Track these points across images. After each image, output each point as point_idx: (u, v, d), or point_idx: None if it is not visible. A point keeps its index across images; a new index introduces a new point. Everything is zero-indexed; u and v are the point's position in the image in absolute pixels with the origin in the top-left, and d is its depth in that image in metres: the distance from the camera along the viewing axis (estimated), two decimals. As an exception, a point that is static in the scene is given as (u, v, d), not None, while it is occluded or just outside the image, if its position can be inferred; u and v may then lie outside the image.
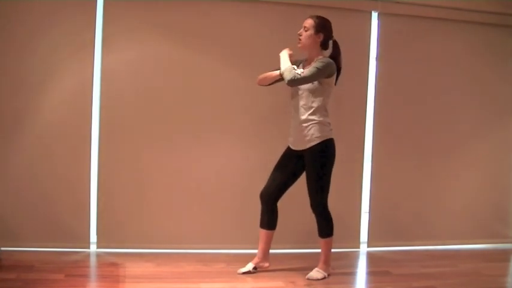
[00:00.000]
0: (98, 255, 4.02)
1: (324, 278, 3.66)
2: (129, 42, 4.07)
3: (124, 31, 4.05)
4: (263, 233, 3.74)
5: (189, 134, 4.16)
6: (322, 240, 3.67)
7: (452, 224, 4.70)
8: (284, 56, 3.59)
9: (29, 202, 3.94)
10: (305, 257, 4.10)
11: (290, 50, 3.62)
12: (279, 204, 3.73)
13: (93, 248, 4.08)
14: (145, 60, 4.10)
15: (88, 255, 4.01)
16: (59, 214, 3.99)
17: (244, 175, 4.23)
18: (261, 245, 3.75)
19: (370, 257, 4.40)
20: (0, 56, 3.86)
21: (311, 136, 3.57)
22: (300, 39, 3.60)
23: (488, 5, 4.55)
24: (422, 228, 4.63)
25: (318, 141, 3.56)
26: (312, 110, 3.57)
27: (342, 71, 3.69)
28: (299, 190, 3.65)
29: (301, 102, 3.60)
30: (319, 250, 3.71)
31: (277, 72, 3.58)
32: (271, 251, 3.78)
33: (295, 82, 3.49)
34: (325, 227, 3.65)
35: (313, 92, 3.56)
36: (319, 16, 3.61)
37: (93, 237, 4.09)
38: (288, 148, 3.72)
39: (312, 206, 3.62)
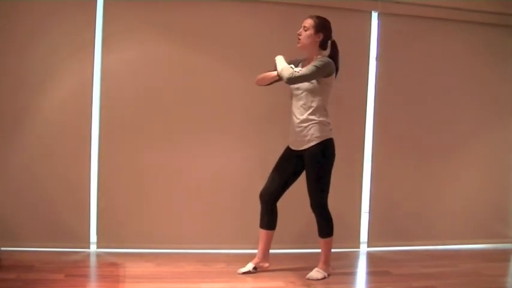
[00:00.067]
0: (98, 255, 4.02)
1: (324, 278, 3.66)
2: (129, 42, 4.07)
3: (124, 31, 4.05)
4: (263, 233, 3.74)
5: (189, 134, 4.16)
6: (322, 240, 3.67)
7: (452, 224, 4.70)
8: (279, 58, 3.59)
9: (29, 202, 3.94)
10: (305, 257, 4.10)
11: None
12: (279, 204, 3.73)
13: (93, 248, 4.08)
14: (145, 60, 4.10)
15: (88, 255, 4.01)
16: (59, 214, 3.99)
17: (244, 175, 4.23)
18: (260, 245, 3.75)
19: (370, 257, 4.40)
20: (0, 56, 3.86)
21: (311, 136, 3.57)
22: (299, 39, 3.60)
23: (488, 5, 4.54)
24: (422, 228, 4.63)
25: (317, 141, 3.56)
26: (311, 110, 3.57)
27: (342, 71, 3.69)
28: (299, 190, 3.65)
29: (301, 102, 3.60)
30: (319, 250, 3.71)
31: (275, 72, 3.57)
32: (271, 251, 3.78)
33: (294, 80, 3.49)
34: (325, 227, 3.65)
35: (312, 92, 3.56)
36: (319, 16, 3.61)
37: (93, 237, 4.09)
38: (288, 148, 3.72)
39: (311, 206, 3.62)
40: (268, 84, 3.69)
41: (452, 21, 4.55)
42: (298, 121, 3.60)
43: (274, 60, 3.59)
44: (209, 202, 4.20)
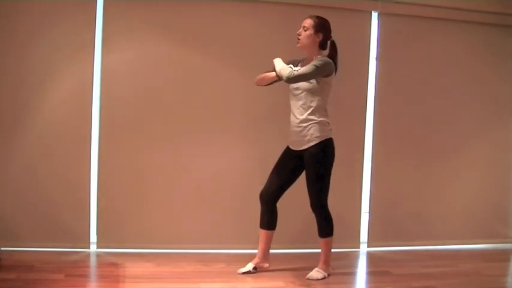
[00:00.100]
0: (98, 255, 4.01)
1: (324, 278, 3.66)
2: (129, 42, 4.07)
3: (124, 31, 4.05)
4: (263, 233, 3.74)
5: (189, 134, 4.16)
6: (322, 240, 3.67)
7: (452, 224, 4.70)
8: (277, 60, 3.59)
9: (29, 202, 3.94)
10: (305, 257, 4.10)
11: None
12: (279, 204, 3.73)
13: (93, 248, 4.08)
14: (145, 60, 4.10)
15: (88, 255, 4.01)
16: (59, 214, 3.99)
17: (244, 175, 4.23)
18: (261, 245, 3.75)
19: (370, 257, 4.40)
20: (0, 56, 3.86)
21: (310, 136, 3.57)
22: (299, 39, 3.60)
23: (488, 5, 4.54)
24: (422, 228, 4.62)
25: (317, 141, 3.56)
26: (311, 110, 3.57)
27: (342, 71, 3.69)
28: (299, 190, 3.65)
29: (300, 102, 3.60)
30: (319, 250, 3.71)
31: (274, 73, 3.57)
32: (271, 251, 3.78)
33: (294, 79, 3.49)
34: (325, 227, 3.65)
35: (311, 92, 3.56)
36: (318, 16, 3.61)
37: (93, 237, 4.09)
38: (287, 148, 3.72)
39: (311, 206, 3.62)
40: (267, 85, 3.69)
41: (452, 21, 4.55)
42: (297, 121, 3.60)
43: (273, 63, 3.59)
44: (209, 202, 4.19)
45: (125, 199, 4.10)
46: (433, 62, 4.58)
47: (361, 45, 4.42)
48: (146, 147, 4.10)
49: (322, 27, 3.59)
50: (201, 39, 4.15)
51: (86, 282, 3.46)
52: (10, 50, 3.88)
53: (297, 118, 3.61)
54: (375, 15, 4.44)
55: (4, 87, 3.88)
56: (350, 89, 4.34)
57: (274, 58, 3.61)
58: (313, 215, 3.64)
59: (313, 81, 3.54)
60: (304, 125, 3.58)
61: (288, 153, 3.71)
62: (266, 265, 3.77)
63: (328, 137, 3.60)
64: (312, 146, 3.57)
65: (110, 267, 3.72)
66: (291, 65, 3.59)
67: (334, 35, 3.66)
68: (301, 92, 3.59)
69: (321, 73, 3.51)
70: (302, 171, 3.67)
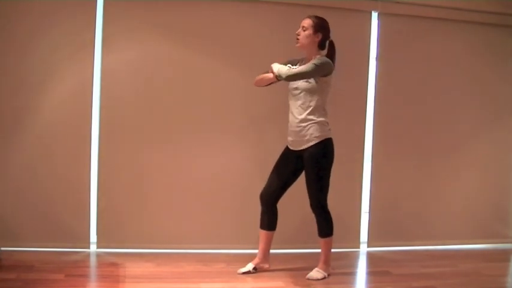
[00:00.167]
0: (98, 255, 4.02)
1: (324, 278, 3.66)
2: (129, 42, 4.07)
3: (124, 31, 4.05)
4: (263, 233, 3.74)
5: (189, 134, 4.16)
6: (322, 240, 3.67)
7: (452, 224, 4.70)
8: (275, 64, 3.58)
9: (29, 202, 3.94)
10: (305, 257, 4.10)
11: None
12: (279, 204, 3.73)
13: (93, 248, 4.08)
14: (145, 60, 4.10)
15: (88, 255, 4.01)
16: (59, 214, 3.99)
17: (244, 175, 4.23)
18: (261, 245, 3.75)
19: (370, 257, 4.40)
20: (0, 56, 3.86)
21: (310, 136, 3.57)
22: (298, 39, 3.60)
23: (488, 5, 4.54)
24: (422, 228, 4.62)
25: (316, 141, 3.56)
26: (310, 110, 3.57)
27: (342, 71, 3.70)
28: (299, 190, 3.65)
29: (299, 102, 3.60)
30: (319, 250, 3.71)
31: (272, 75, 3.56)
32: (271, 251, 3.78)
33: (293, 77, 3.49)
34: (325, 226, 3.65)
35: (310, 92, 3.56)
36: (317, 16, 3.61)
37: (93, 237, 4.09)
38: (287, 148, 3.72)
39: (311, 206, 3.62)
40: (267, 85, 3.69)
41: (452, 21, 4.55)
42: (297, 121, 3.60)
43: (271, 67, 3.58)
44: (209, 202, 4.19)
45: (125, 199, 4.10)
46: (433, 62, 4.58)
47: (361, 45, 4.42)
48: (146, 147, 4.11)
49: (321, 27, 3.59)
50: (201, 39, 4.15)
51: (86, 282, 3.46)
52: (10, 50, 3.88)
53: (296, 118, 3.61)
54: (375, 15, 4.44)
55: (4, 87, 3.88)
56: (350, 89, 4.34)
57: (273, 60, 3.61)
58: (313, 215, 3.64)
59: (312, 80, 3.54)
60: (303, 124, 3.58)
61: (287, 153, 3.71)
62: (266, 266, 3.77)
63: (327, 137, 3.59)
64: (312, 146, 3.57)
65: (110, 267, 3.72)
66: (290, 65, 3.59)
67: (335, 35, 3.66)
68: (300, 92, 3.59)
69: (320, 72, 3.51)
70: (302, 171, 3.66)
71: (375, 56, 4.47)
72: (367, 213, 4.55)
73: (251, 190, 3.89)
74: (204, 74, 4.16)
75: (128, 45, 4.07)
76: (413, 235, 4.60)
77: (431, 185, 4.64)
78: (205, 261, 3.95)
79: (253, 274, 3.69)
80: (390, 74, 4.50)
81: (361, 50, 4.42)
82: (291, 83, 3.60)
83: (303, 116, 3.58)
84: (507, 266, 4.36)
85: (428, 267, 4.05)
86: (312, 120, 3.57)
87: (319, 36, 3.59)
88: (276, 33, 4.17)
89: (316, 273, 3.66)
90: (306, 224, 3.82)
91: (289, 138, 3.69)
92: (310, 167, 3.59)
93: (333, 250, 3.71)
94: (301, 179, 3.66)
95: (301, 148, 3.61)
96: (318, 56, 3.57)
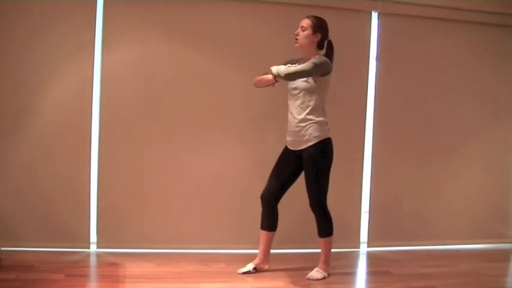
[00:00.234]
0: (98, 255, 4.02)
1: (324, 278, 3.65)
2: (129, 42, 4.07)
3: (124, 31, 4.05)
4: (263, 234, 3.74)
5: (189, 134, 4.16)
6: (321, 240, 3.67)
7: (452, 224, 4.70)
8: (274, 66, 3.59)
9: (29, 202, 3.94)
10: (305, 257, 4.10)
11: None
12: (279, 204, 3.73)
13: (93, 248, 4.08)
14: (145, 60, 4.10)
15: (88, 255, 4.01)
16: (59, 214, 3.99)
17: (244, 175, 4.23)
18: (261, 246, 3.75)
19: (370, 257, 4.40)
20: (0, 56, 3.86)
21: (309, 136, 3.57)
22: (296, 39, 3.60)
23: (488, 5, 4.54)
24: (422, 228, 4.62)
25: (316, 141, 3.56)
26: (309, 109, 3.57)
27: (342, 71, 3.69)
28: (299, 190, 3.65)
29: (298, 102, 3.60)
30: (319, 250, 3.71)
31: (271, 76, 3.56)
32: (271, 251, 3.78)
33: (292, 75, 3.49)
34: (325, 226, 3.65)
35: (310, 91, 3.56)
36: (316, 16, 3.61)
37: (93, 237, 4.09)
38: (286, 148, 3.72)
39: (311, 205, 3.62)
40: (265, 86, 3.68)
41: (452, 21, 4.55)
42: (296, 121, 3.60)
43: (270, 70, 3.57)
44: (209, 202, 4.19)
45: (125, 199, 4.10)
46: (433, 62, 4.58)
47: (361, 45, 4.42)
48: (146, 147, 4.11)
49: (320, 27, 3.59)
50: (201, 39, 4.15)
51: (86, 282, 3.46)
52: (10, 50, 3.88)
53: (295, 118, 3.61)
54: (375, 15, 4.44)
55: (4, 87, 3.88)
56: (350, 89, 4.34)
57: (273, 60, 3.61)
58: (312, 215, 3.64)
59: (311, 80, 3.54)
60: (302, 124, 3.58)
61: (287, 153, 3.70)
62: (266, 266, 3.77)
63: (326, 137, 3.59)
64: (311, 146, 3.57)
65: (110, 267, 3.72)
66: (289, 64, 3.59)
67: (335, 35, 3.66)
68: (299, 92, 3.59)
69: (319, 71, 3.51)
70: (302, 171, 3.66)
71: (375, 56, 4.47)
72: (367, 213, 4.55)
73: (251, 190, 3.89)
74: (204, 74, 4.16)
75: (128, 45, 4.07)
76: (413, 235, 4.60)
77: (431, 185, 4.64)
78: (205, 261, 3.95)
79: (253, 274, 3.69)
80: (390, 74, 4.50)
81: (361, 50, 4.42)
82: (290, 83, 3.60)
83: (302, 116, 3.58)
84: (507, 266, 4.36)
85: (428, 267, 4.05)
86: (311, 120, 3.57)
87: (318, 36, 3.59)
88: (276, 33, 4.17)
89: (316, 273, 3.66)
90: (306, 224, 3.82)
91: (289, 138, 3.69)
92: (309, 167, 3.59)
93: (333, 250, 3.71)
94: (301, 179, 3.66)
95: (301, 148, 3.61)
96: (317, 56, 3.57)
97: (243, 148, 4.25)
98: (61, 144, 3.98)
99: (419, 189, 4.61)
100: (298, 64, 3.62)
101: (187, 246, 4.19)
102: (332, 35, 3.65)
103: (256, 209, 3.75)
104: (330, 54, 3.63)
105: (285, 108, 3.72)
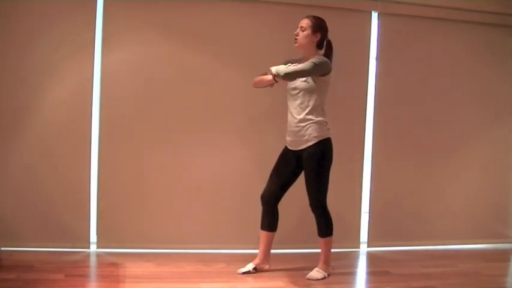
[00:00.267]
0: (98, 255, 4.02)
1: (324, 278, 3.65)
2: (129, 42, 4.07)
3: (124, 31, 4.05)
4: (264, 234, 3.74)
5: (189, 134, 4.16)
6: (321, 240, 3.67)
7: (452, 224, 4.70)
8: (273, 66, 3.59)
9: (29, 202, 3.94)
10: (305, 257, 4.10)
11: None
12: (279, 204, 3.73)
13: (93, 248, 4.08)
14: (145, 60, 4.10)
15: (88, 255, 4.01)
16: (59, 214, 3.99)
17: (244, 175, 4.24)
18: (261, 246, 3.75)
19: (370, 257, 4.40)
20: (0, 56, 3.86)
21: (309, 136, 3.57)
22: (296, 39, 3.60)
23: (488, 5, 4.55)
24: (422, 228, 4.63)
25: (315, 141, 3.56)
26: (308, 109, 3.57)
27: (342, 71, 3.70)
28: (299, 190, 3.65)
29: (298, 102, 3.60)
30: (319, 250, 3.71)
31: (270, 76, 3.56)
32: (271, 251, 3.78)
33: (291, 75, 3.49)
34: (325, 226, 3.65)
35: (309, 91, 3.56)
36: (315, 16, 3.62)
37: (93, 237, 4.09)
38: (286, 148, 3.72)
39: (311, 205, 3.62)
40: (265, 87, 3.69)
41: (452, 21, 4.55)
42: (295, 121, 3.60)
43: (270, 70, 3.57)
44: (209, 202, 4.19)
45: (124, 199, 4.10)
46: (433, 62, 4.58)
47: (361, 45, 4.42)
48: (146, 147, 4.11)
49: (319, 27, 3.59)
50: (201, 39, 4.15)
51: (86, 282, 3.46)
52: (10, 50, 3.88)
53: (294, 118, 3.61)
54: (375, 15, 4.44)
55: (4, 87, 3.88)
56: (350, 89, 4.34)
57: (273, 60, 3.61)
58: (312, 215, 3.64)
59: (311, 80, 3.54)
60: (302, 124, 3.58)
61: (287, 153, 3.70)
62: (266, 267, 3.76)
63: (326, 137, 3.59)
64: (310, 146, 3.57)
65: (110, 267, 3.72)
66: (289, 64, 3.59)
67: (335, 35, 3.66)
68: (299, 92, 3.59)
69: (319, 71, 3.51)
70: (301, 171, 3.66)
71: (375, 56, 4.47)
72: (367, 213, 4.55)
73: (251, 190, 3.89)
74: (204, 74, 4.16)
75: (128, 45, 4.07)
76: (413, 235, 4.60)
77: (431, 185, 4.64)
78: (205, 261, 3.95)
79: (253, 274, 3.69)
80: (390, 74, 4.50)
81: (361, 50, 4.42)
82: (290, 83, 3.60)
83: (301, 116, 3.58)
84: (507, 266, 4.36)
85: (428, 267, 4.05)
86: (311, 120, 3.57)
87: (318, 36, 3.59)
88: (276, 33, 4.17)
89: (316, 273, 3.66)
90: (306, 224, 3.82)
91: (288, 138, 3.69)
92: (309, 167, 3.59)
93: (332, 250, 3.71)
94: (301, 179, 3.66)
95: (300, 148, 3.61)
96: (317, 56, 3.57)
97: (243, 148, 4.25)
98: (61, 144, 3.98)
99: (419, 189, 4.61)
100: (298, 64, 3.62)
101: (187, 246, 4.19)
102: (332, 35, 3.65)
103: (256, 209, 3.75)
104: (329, 54, 3.63)
105: (285, 109, 3.72)
